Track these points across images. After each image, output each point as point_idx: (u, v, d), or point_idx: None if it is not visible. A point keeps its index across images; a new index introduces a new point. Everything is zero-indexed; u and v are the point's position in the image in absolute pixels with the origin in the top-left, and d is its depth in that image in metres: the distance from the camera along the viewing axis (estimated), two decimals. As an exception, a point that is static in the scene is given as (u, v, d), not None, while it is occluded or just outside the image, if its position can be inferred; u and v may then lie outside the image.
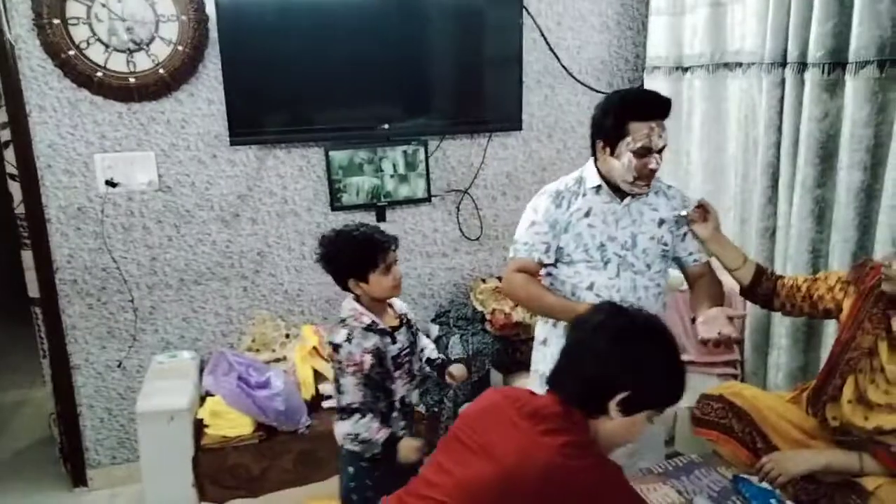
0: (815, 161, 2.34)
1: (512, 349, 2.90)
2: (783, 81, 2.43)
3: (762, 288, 1.99)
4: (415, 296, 3.16)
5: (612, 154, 1.90)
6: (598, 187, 1.96)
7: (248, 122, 2.71)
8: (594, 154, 1.97)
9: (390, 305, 1.96)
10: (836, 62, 2.24)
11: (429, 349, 2.08)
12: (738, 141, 2.71)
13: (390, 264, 1.84)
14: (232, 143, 2.71)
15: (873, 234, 2.19)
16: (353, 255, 1.82)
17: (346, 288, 1.89)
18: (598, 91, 3.23)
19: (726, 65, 2.75)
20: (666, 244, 2.00)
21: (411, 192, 3.00)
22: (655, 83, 3.11)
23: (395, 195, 2.98)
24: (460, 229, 3.18)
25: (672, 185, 2.14)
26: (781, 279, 2.00)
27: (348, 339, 1.80)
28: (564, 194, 1.98)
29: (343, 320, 1.86)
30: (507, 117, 3.08)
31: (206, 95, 2.68)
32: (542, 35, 3.09)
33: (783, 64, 2.42)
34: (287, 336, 2.91)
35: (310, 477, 2.54)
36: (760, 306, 2.11)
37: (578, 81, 3.19)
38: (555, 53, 3.14)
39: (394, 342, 1.88)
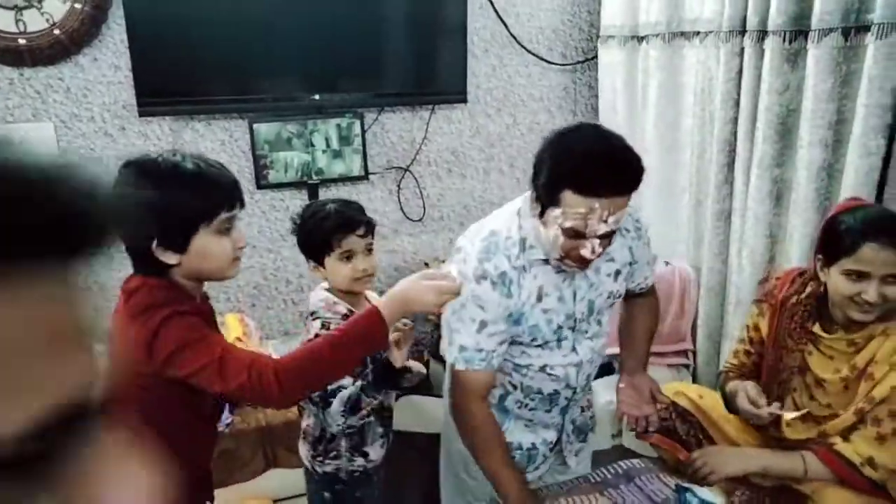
0: (774, 138, 2.17)
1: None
2: (742, 51, 2.25)
3: None
4: (353, 281, 2.95)
5: (540, 217, 1.38)
6: (546, 260, 1.47)
7: (160, 91, 2.44)
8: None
9: (367, 300, 1.68)
10: (799, 30, 2.06)
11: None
12: (695, 116, 2.52)
13: (350, 251, 1.56)
14: (142, 115, 2.44)
15: (834, 217, 2.03)
16: (308, 232, 1.60)
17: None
18: (549, 62, 3.02)
19: (683, 34, 2.55)
20: (620, 294, 1.61)
21: (346, 169, 2.77)
22: (609, 54, 2.90)
23: (328, 172, 2.74)
24: (401, 210, 2.96)
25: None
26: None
27: (326, 329, 1.54)
28: (510, 275, 1.45)
29: (313, 313, 1.60)
30: (451, 88, 2.84)
31: (112, 61, 2.41)
32: (489, 0, 2.86)
33: (742, 32, 2.24)
34: (210, 325, 2.68)
35: (232, 477, 2.35)
36: None
37: (529, 52, 2.97)
38: (503, 20, 2.91)
39: None
